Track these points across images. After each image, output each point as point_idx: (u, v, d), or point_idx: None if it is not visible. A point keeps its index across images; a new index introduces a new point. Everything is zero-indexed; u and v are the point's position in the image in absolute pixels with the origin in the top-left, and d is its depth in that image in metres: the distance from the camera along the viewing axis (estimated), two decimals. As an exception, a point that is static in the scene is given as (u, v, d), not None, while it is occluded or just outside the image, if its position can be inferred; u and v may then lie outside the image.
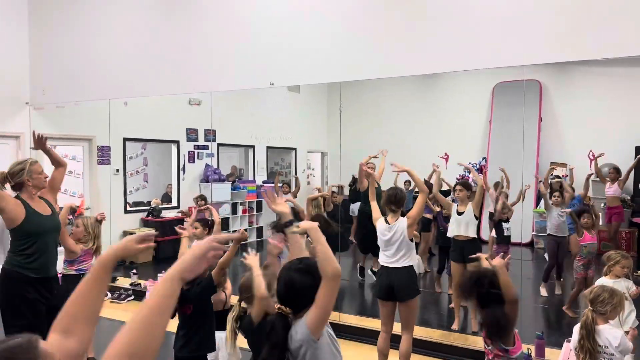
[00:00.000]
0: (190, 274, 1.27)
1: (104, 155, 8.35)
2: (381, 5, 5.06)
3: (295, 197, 8.19)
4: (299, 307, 2.03)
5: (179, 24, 6.26)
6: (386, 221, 4.13)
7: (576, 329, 3.01)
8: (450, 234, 5.43)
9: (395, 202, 4.13)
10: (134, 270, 7.33)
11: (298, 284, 2.02)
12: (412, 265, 4.11)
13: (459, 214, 5.31)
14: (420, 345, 4.68)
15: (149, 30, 6.48)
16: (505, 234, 6.29)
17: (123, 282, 7.18)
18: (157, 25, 6.42)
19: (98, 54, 6.83)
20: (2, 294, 3.60)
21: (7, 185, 3.65)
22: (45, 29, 7.34)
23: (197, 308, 3.20)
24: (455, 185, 5.84)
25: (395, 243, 4.07)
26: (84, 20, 6.95)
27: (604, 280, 3.86)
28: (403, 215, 4.16)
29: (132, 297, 6.69)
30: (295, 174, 12.27)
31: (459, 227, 5.29)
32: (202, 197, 8.53)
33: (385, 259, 4.15)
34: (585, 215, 5.71)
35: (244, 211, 10.62)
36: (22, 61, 7.43)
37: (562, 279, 6.81)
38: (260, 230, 10.88)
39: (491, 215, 6.88)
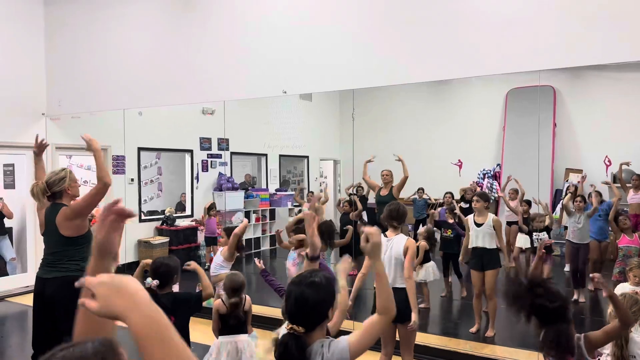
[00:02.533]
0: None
1: (118, 164, 8.42)
2: (393, 13, 5.06)
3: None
4: (311, 325, 1.88)
5: (192, 34, 6.32)
6: (384, 235, 3.82)
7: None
8: (470, 245, 5.37)
9: (397, 217, 3.87)
10: (149, 279, 7.36)
11: (311, 300, 1.87)
12: (405, 288, 3.80)
13: (478, 225, 5.23)
14: (430, 353, 4.63)
15: (162, 41, 6.55)
16: (535, 244, 6.19)
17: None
18: (171, 36, 6.49)
19: (113, 65, 6.92)
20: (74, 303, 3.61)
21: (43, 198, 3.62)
22: (61, 41, 7.45)
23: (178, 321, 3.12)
24: (472, 196, 5.83)
25: (391, 260, 3.78)
26: (98, 31, 7.05)
27: (624, 286, 3.80)
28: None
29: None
30: (309, 185, 12.27)
31: (478, 239, 5.23)
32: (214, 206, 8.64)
33: None
34: (623, 217, 5.70)
35: (257, 219, 10.63)
36: (39, 73, 7.55)
37: (583, 287, 6.58)
38: (272, 239, 10.88)
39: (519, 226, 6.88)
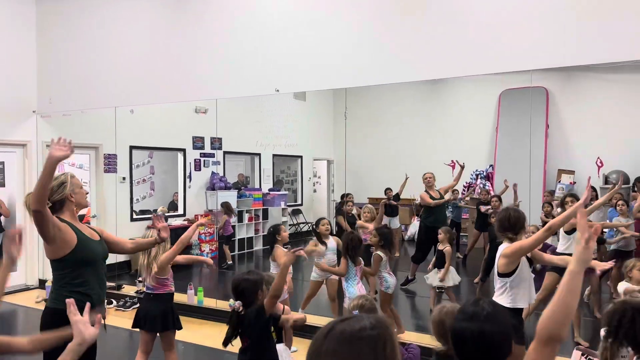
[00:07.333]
0: None
1: (110, 163, 8.36)
2: (386, 12, 5.06)
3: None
4: None
5: (185, 32, 6.29)
6: None
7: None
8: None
9: (511, 227, 3.32)
10: (140, 278, 7.31)
11: (489, 337, 1.58)
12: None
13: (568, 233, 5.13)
14: None
15: (154, 39, 6.51)
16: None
17: (128, 290, 7.16)
18: (163, 34, 6.45)
19: (104, 63, 6.87)
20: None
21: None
22: (53, 38, 7.40)
23: (254, 341, 2.96)
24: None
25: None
26: (90, 29, 7.00)
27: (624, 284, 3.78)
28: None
29: (138, 305, 6.66)
30: (302, 185, 12.22)
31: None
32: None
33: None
34: None
35: (250, 219, 10.61)
36: (30, 70, 7.49)
37: None
38: (265, 238, 10.86)
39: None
